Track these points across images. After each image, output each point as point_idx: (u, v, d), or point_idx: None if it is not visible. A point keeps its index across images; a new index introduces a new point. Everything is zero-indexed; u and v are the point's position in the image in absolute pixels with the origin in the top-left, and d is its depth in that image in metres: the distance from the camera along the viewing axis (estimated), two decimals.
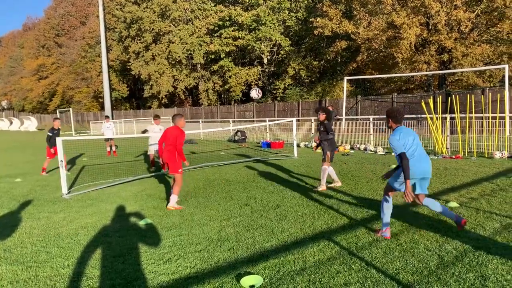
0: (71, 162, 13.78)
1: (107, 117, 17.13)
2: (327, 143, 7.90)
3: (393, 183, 4.80)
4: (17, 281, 3.96)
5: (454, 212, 5.02)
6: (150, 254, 4.54)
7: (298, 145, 15.12)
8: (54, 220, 6.23)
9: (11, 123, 55.94)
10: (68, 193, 8.12)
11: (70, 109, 42.00)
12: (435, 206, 4.75)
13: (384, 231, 4.80)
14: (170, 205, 6.69)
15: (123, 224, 5.84)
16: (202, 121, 26.30)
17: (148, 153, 11.55)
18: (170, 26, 36.22)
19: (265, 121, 23.40)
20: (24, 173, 11.61)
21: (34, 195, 8.30)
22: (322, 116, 8.04)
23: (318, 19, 26.94)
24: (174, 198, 6.74)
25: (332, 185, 7.99)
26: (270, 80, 36.21)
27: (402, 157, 4.44)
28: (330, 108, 16.13)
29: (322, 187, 7.71)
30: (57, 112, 43.05)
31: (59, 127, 11.69)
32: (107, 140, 15.96)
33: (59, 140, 8.05)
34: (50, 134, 11.27)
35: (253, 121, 27.39)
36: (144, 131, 12.22)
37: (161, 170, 10.46)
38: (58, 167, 8.50)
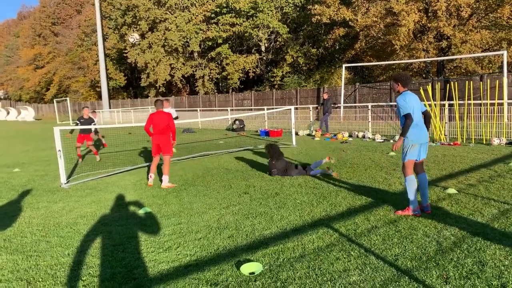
0: (69, 152, 13.76)
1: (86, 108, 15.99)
2: None
3: (404, 158, 5.06)
4: (18, 270, 3.97)
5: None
6: (150, 243, 4.56)
7: (296, 133, 15.10)
8: (53, 209, 6.23)
9: (8, 113, 55.68)
10: (67, 182, 8.12)
11: (67, 98, 41.72)
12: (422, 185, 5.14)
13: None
14: (164, 184, 7.49)
15: (123, 213, 5.86)
16: (200, 110, 26.24)
17: None
18: (166, 13, 35.86)
19: (263, 109, 23.37)
20: (22, 163, 11.59)
21: (33, 185, 8.29)
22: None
23: (316, 6, 26.67)
24: (166, 178, 7.57)
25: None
26: (268, 68, 36.01)
27: (407, 117, 4.84)
28: (326, 96, 16.16)
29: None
30: (54, 101, 42.80)
31: (90, 116, 11.56)
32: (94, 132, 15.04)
33: (56, 130, 8.01)
34: (78, 123, 11.33)
35: (251, 109, 27.33)
36: (176, 118, 12.53)
37: None
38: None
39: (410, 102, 4.92)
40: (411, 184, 5.01)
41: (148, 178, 7.81)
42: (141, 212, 5.82)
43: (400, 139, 4.91)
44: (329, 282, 3.41)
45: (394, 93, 5.99)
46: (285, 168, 7.95)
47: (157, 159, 7.86)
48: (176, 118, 12.36)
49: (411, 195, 5.01)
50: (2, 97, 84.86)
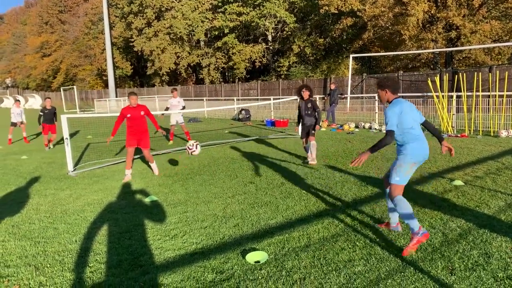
0: (76, 140, 13.83)
1: (17, 101, 14.79)
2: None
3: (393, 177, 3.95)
4: (26, 256, 4.02)
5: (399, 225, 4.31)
6: (156, 230, 4.59)
7: None
8: (60, 197, 6.29)
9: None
10: (74, 170, 8.18)
11: (74, 86, 41.79)
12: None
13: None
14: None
15: (129, 201, 5.90)
16: (206, 99, 26.20)
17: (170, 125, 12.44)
18: (172, 1, 35.66)
19: (269, 99, 23.29)
20: (29, 150, 11.68)
21: (41, 172, 8.36)
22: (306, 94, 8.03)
23: None
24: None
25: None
26: (275, 58, 35.78)
27: (388, 134, 3.70)
28: (332, 86, 16.05)
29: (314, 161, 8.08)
30: (61, 89, 42.90)
31: (52, 106, 12.38)
32: (14, 125, 13.89)
33: (63, 118, 8.04)
34: (41, 114, 12.22)
35: (257, 99, 27.24)
36: (167, 109, 12.38)
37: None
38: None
39: (403, 115, 3.78)
40: (404, 204, 3.80)
41: (153, 170, 7.79)
42: (147, 200, 5.86)
43: (367, 153, 3.79)
44: (334, 272, 3.42)
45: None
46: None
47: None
48: (183, 108, 12.28)
49: (409, 218, 3.73)
50: (9, 85, 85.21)
